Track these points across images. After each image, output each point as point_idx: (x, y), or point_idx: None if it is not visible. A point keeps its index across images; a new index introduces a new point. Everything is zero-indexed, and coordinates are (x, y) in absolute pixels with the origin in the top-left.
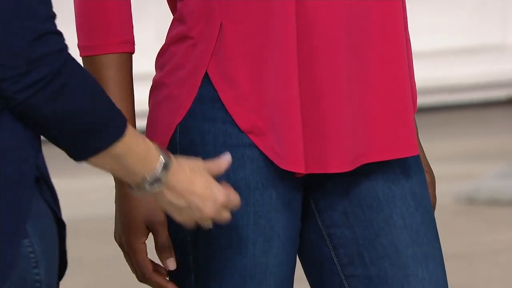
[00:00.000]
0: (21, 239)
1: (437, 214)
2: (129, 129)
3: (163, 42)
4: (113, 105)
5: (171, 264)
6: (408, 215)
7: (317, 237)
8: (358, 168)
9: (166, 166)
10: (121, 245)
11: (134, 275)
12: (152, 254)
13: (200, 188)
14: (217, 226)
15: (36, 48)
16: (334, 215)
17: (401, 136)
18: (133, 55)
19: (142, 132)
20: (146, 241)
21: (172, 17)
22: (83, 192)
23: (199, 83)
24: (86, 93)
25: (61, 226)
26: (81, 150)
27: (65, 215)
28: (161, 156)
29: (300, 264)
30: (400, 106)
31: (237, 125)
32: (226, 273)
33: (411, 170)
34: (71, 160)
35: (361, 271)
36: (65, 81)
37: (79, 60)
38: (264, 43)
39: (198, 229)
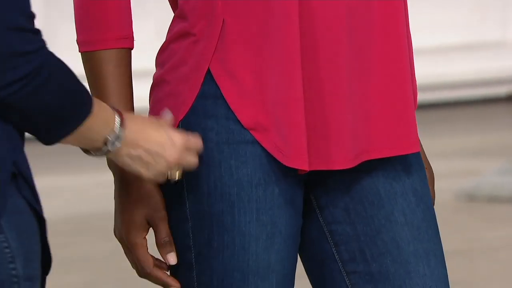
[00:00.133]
0: None
1: (437, 210)
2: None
3: (163, 40)
4: (80, 83)
5: (172, 259)
6: (409, 211)
7: (318, 234)
8: (359, 165)
9: (121, 123)
10: (121, 241)
11: (135, 271)
12: (153, 249)
13: (154, 134)
14: (219, 223)
15: (18, 46)
16: (335, 212)
17: (402, 133)
18: (133, 52)
19: None
20: (146, 236)
21: (172, 14)
22: (83, 188)
23: (202, 80)
24: (63, 83)
25: (41, 223)
26: (54, 134)
27: (65, 212)
28: (115, 115)
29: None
30: (401, 104)
31: (239, 121)
32: (228, 270)
33: (412, 166)
34: (71, 157)
35: (363, 268)
36: (47, 76)
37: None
38: (267, 40)
39: (199, 224)
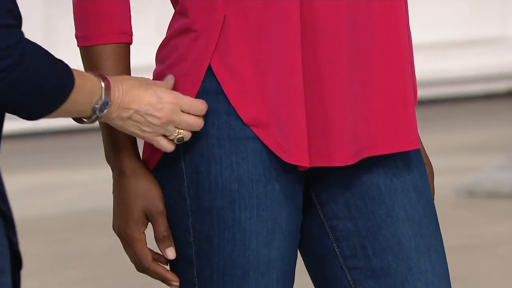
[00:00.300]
0: None
1: (437, 206)
2: (74, 71)
3: (163, 35)
4: (59, 64)
5: (171, 253)
6: (410, 207)
7: (319, 230)
8: (359, 161)
9: (106, 88)
10: (120, 236)
11: (134, 266)
12: (152, 244)
13: (143, 94)
14: (220, 219)
15: (0, 42)
16: (336, 208)
17: (402, 130)
18: (133, 48)
19: None
20: (146, 231)
21: (172, 10)
22: (82, 184)
23: (202, 76)
24: (43, 70)
25: (8, 221)
26: (35, 115)
27: (65, 207)
28: (100, 81)
29: (300, 257)
30: (402, 101)
31: (240, 117)
32: (228, 266)
33: (412, 162)
34: (70, 153)
35: (364, 263)
36: (26, 67)
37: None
38: (268, 36)
39: (199, 220)
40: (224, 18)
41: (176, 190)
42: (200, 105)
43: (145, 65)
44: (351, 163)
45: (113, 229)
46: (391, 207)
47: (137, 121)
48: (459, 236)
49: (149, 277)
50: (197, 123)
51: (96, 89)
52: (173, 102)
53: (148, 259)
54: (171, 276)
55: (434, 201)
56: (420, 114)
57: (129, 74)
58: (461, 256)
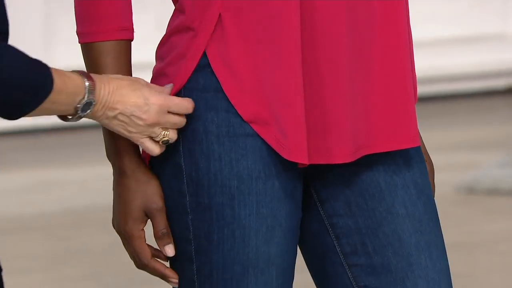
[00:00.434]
0: None
1: (437, 203)
2: (54, 73)
3: (163, 33)
4: (38, 62)
5: (170, 251)
6: (410, 204)
7: (319, 227)
8: (359, 159)
9: (90, 88)
10: (119, 232)
11: (134, 263)
12: (152, 240)
13: (130, 95)
14: (219, 216)
15: None
16: (336, 205)
17: (402, 128)
18: (132, 45)
19: None
20: (145, 228)
21: (172, 7)
22: (82, 181)
23: (191, 71)
24: (18, 74)
25: None
26: (11, 115)
27: (64, 204)
28: (84, 81)
29: (300, 255)
30: (402, 98)
31: (239, 115)
32: (228, 263)
33: (412, 159)
34: (71, 151)
35: (364, 260)
36: (2, 66)
37: (79, 53)
38: (267, 35)
39: (199, 217)
40: (221, 16)
41: (175, 187)
42: (187, 104)
43: (145, 62)
44: (351, 161)
45: (113, 226)
46: (391, 204)
47: (122, 121)
48: (459, 233)
49: (149, 274)
50: (181, 122)
51: (79, 89)
52: (160, 104)
53: (147, 256)
54: (170, 273)
55: (434, 198)
56: (419, 111)
57: (130, 70)
58: (461, 253)
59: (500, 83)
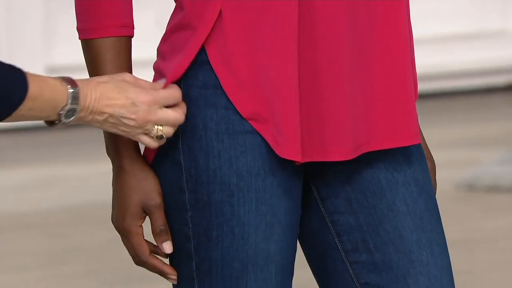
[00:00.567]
0: None
1: (437, 200)
2: (31, 80)
3: (163, 30)
4: (11, 68)
5: (168, 247)
6: (411, 201)
7: (320, 225)
8: (359, 156)
9: (75, 95)
10: (118, 229)
11: (132, 260)
12: (152, 238)
13: (117, 97)
14: (219, 213)
15: None
16: (337, 202)
17: (403, 125)
18: (133, 42)
19: None
20: (143, 224)
21: (172, 4)
22: (81, 178)
23: (186, 66)
24: None
25: None
26: None
27: (63, 201)
28: (68, 88)
29: (300, 252)
30: (402, 97)
31: (238, 112)
32: (227, 260)
33: (413, 156)
34: (70, 147)
35: (366, 257)
36: None
37: (80, 50)
38: (264, 31)
39: (198, 214)
40: (220, 13)
41: (174, 184)
42: (174, 93)
43: (145, 59)
44: (350, 158)
45: (112, 222)
46: (392, 201)
47: (113, 123)
48: (459, 230)
49: (147, 270)
50: (176, 117)
51: (61, 95)
52: (149, 102)
53: (145, 252)
54: (169, 270)
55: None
56: (420, 108)
57: (130, 67)
58: (461, 250)
59: (500, 80)
